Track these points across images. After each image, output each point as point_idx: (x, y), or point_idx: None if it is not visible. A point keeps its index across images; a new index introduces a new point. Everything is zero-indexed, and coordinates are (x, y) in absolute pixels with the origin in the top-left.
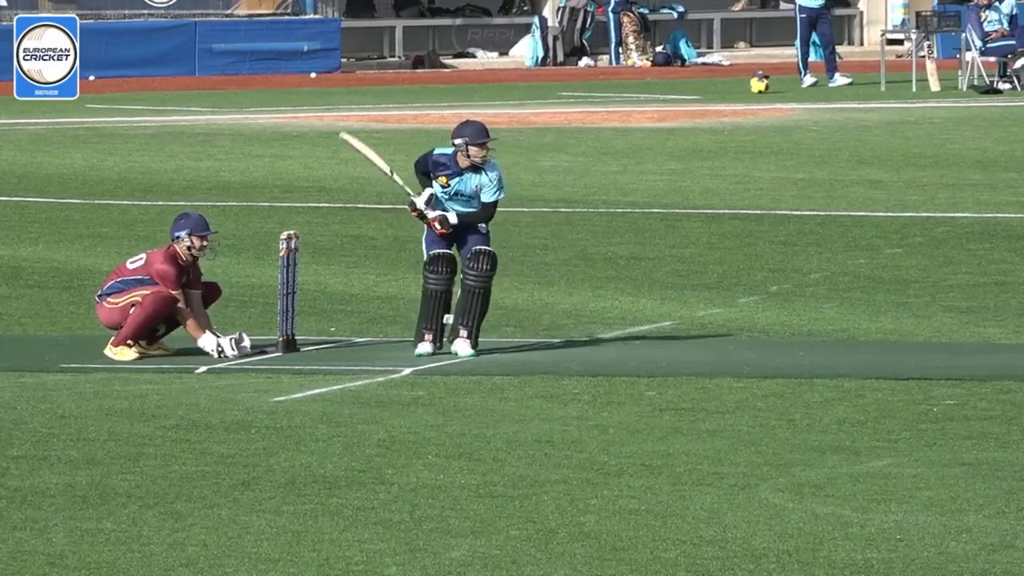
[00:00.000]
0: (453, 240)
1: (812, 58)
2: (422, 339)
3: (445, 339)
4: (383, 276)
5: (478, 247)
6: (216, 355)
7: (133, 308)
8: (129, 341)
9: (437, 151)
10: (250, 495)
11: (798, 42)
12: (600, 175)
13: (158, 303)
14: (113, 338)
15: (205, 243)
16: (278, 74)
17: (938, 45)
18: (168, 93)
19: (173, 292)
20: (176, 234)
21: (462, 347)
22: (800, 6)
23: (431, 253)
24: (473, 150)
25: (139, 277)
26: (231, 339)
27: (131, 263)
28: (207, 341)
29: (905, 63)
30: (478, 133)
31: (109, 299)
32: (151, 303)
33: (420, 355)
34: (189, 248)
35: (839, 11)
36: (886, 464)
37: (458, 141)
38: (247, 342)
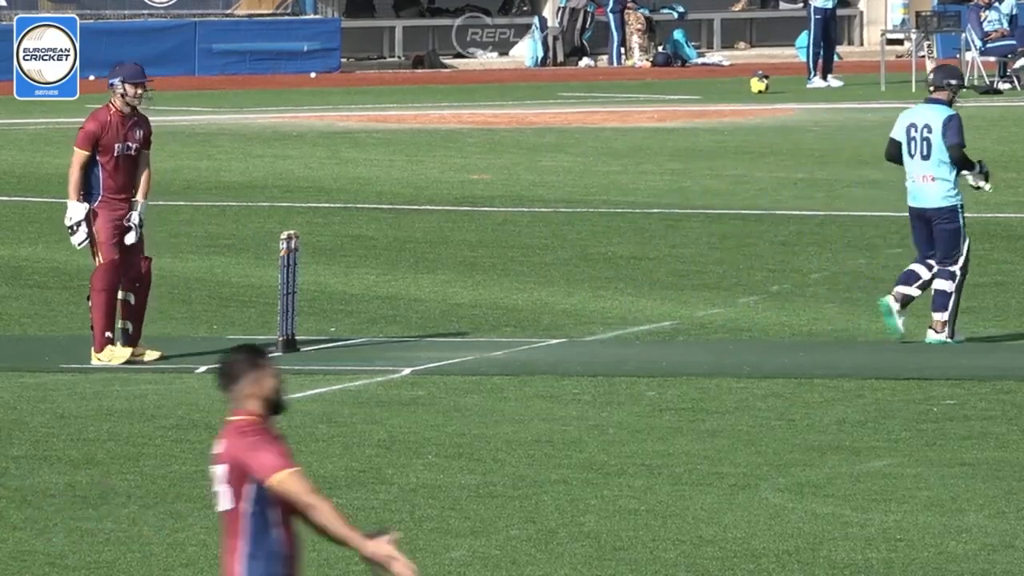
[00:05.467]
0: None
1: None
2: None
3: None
4: (383, 276)
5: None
6: (67, 228)
7: (90, 301)
8: (108, 334)
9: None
10: None
11: (809, 42)
12: (600, 175)
13: (105, 276)
14: (93, 344)
15: (140, 91)
16: (278, 74)
17: (938, 45)
18: (168, 93)
19: (81, 151)
20: (111, 81)
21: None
22: (814, 7)
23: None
24: None
25: None
26: (85, 235)
27: None
28: (74, 210)
29: (905, 63)
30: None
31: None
32: (99, 282)
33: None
34: (123, 96)
35: (839, 11)
36: (886, 464)
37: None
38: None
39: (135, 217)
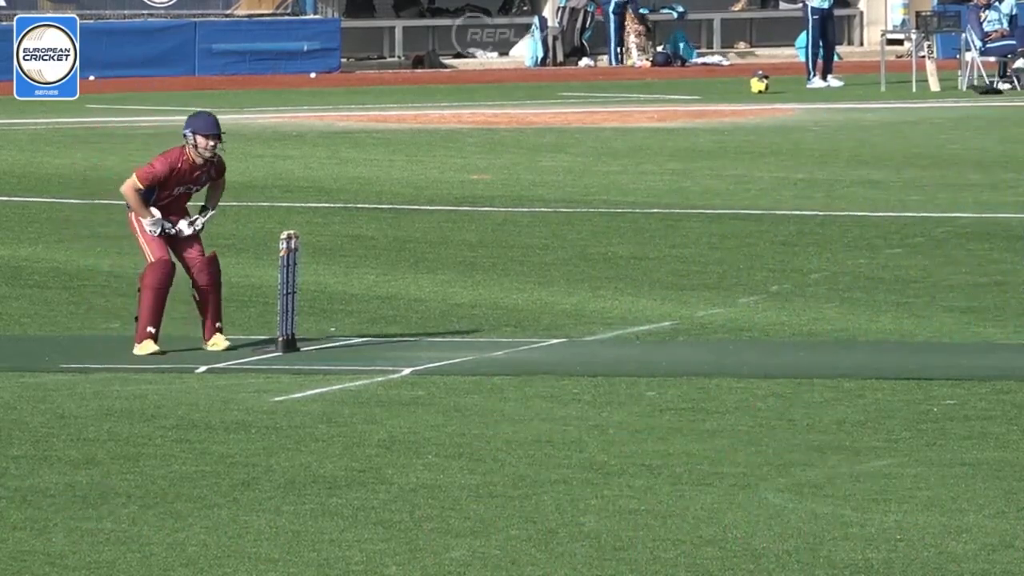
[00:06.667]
0: None
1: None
2: None
3: None
4: (383, 276)
5: None
6: (171, 233)
7: (140, 292)
8: (150, 329)
9: None
10: (250, 495)
11: (807, 43)
12: (600, 175)
13: (154, 274)
14: (136, 333)
15: (211, 143)
16: (278, 74)
17: (938, 45)
18: (168, 93)
19: (138, 182)
20: (184, 132)
21: None
22: (811, 7)
23: None
24: None
25: None
26: (189, 220)
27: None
28: (157, 220)
29: (905, 63)
30: None
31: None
32: (148, 279)
33: None
34: (195, 146)
35: (838, 11)
36: (886, 464)
37: None
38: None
39: (199, 221)
